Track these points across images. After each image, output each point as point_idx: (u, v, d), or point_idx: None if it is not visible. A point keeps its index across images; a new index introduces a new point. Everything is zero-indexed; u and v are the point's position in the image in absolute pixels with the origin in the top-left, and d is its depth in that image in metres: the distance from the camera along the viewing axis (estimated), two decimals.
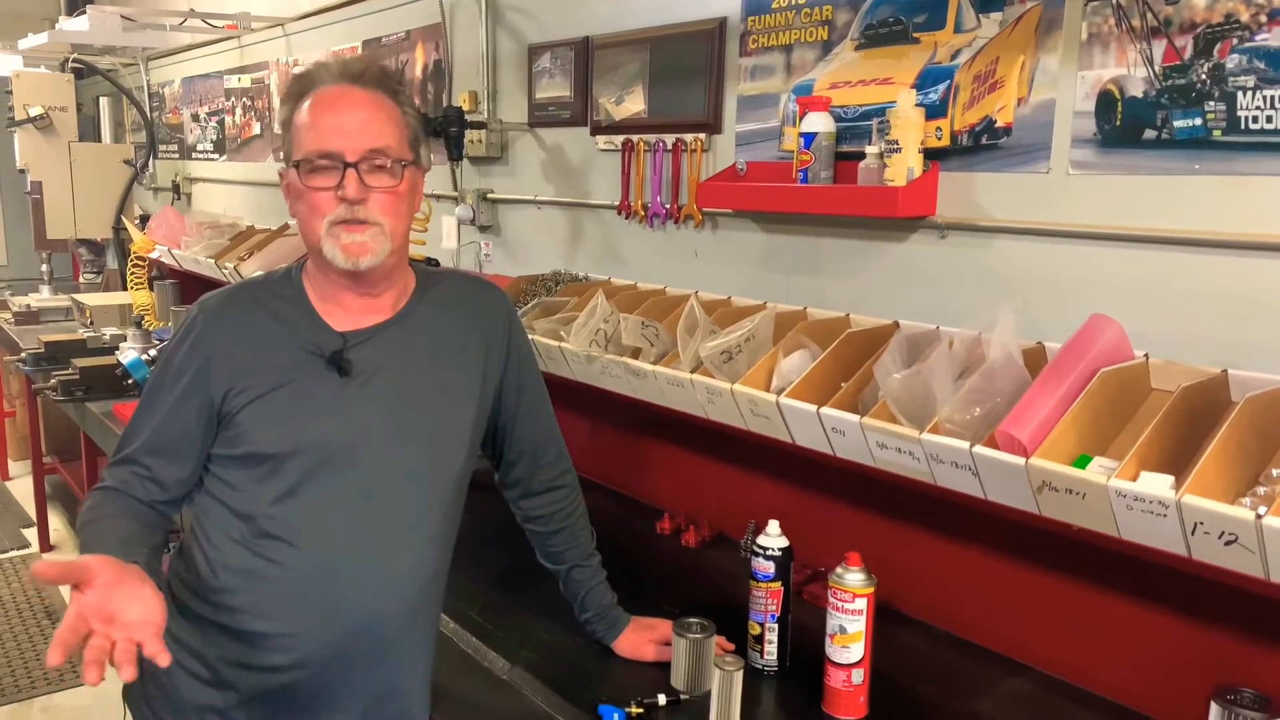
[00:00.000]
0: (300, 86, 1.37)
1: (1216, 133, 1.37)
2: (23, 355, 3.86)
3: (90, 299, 4.59)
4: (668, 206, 2.28)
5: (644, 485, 2.43)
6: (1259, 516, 1.12)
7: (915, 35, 1.74)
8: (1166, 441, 1.29)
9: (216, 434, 1.36)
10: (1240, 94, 1.34)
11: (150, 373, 1.44)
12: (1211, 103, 1.37)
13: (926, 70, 1.72)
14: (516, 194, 2.78)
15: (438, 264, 2.75)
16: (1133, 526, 1.24)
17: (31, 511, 4.62)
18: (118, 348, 3.59)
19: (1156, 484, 1.21)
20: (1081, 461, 1.32)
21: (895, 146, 1.67)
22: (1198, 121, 1.39)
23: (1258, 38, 1.33)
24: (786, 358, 1.72)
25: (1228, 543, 1.15)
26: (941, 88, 1.70)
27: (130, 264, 4.43)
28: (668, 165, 2.27)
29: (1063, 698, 1.56)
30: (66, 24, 4.35)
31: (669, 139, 2.25)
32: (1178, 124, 1.41)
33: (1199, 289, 1.42)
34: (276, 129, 4.00)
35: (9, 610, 3.88)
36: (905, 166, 1.67)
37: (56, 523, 4.67)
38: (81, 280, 5.79)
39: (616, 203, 2.41)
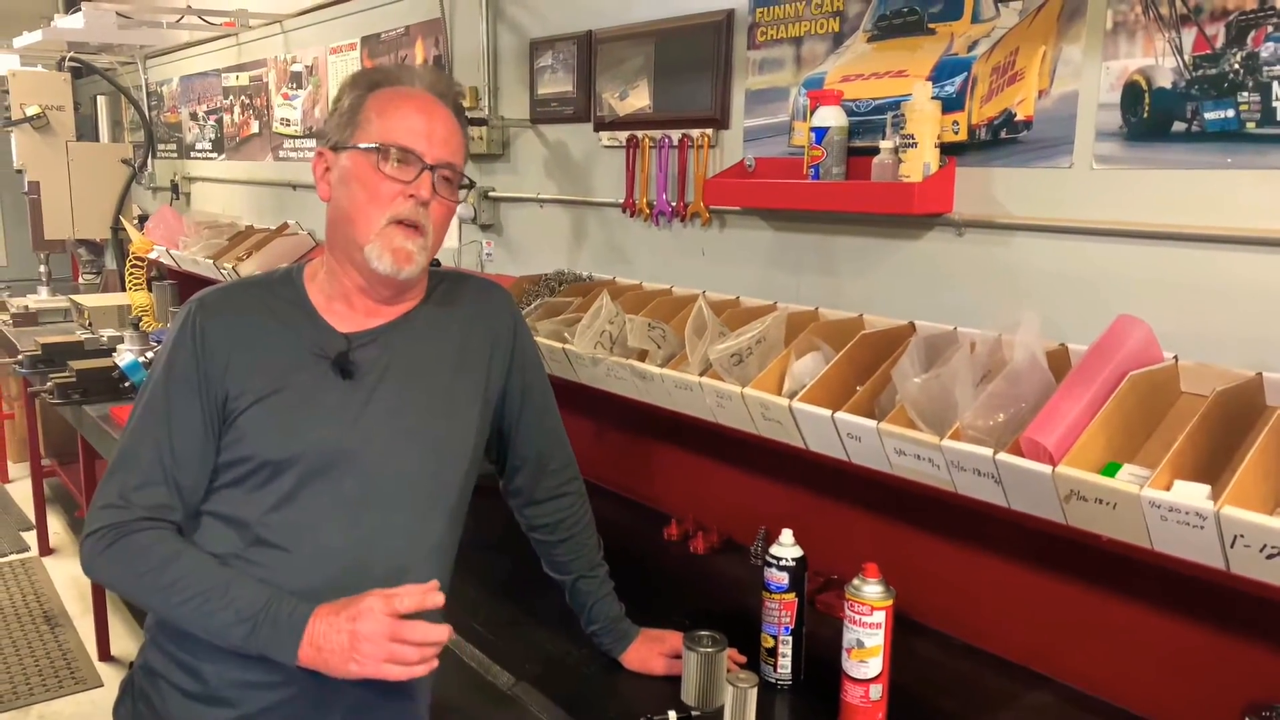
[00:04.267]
0: (379, 77, 1.37)
1: (1250, 124, 1.32)
2: (20, 357, 3.81)
3: (88, 300, 4.54)
4: (674, 204, 2.22)
5: (650, 490, 2.38)
6: None
7: (931, 26, 1.69)
8: (1200, 448, 1.23)
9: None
10: (1276, 84, 1.29)
11: (148, 377, 1.36)
12: (1245, 93, 1.32)
13: (943, 62, 1.67)
14: (518, 192, 2.73)
15: (438, 264, 2.70)
16: (1167, 538, 1.19)
17: (31, 515, 4.57)
18: (115, 349, 3.54)
19: (1193, 494, 1.15)
20: (1110, 469, 1.26)
21: (910, 141, 1.62)
22: (1230, 113, 1.33)
23: None
24: (799, 360, 1.67)
25: (1270, 556, 1.10)
26: (958, 80, 1.64)
27: (129, 265, 4.38)
28: (674, 162, 2.21)
29: (1087, 712, 1.51)
30: (62, 22, 4.30)
31: (675, 135, 2.19)
32: (1209, 116, 1.36)
33: (1231, 288, 1.37)
34: (314, 116, 3.97)
35: (8, 616, 3.83)
36: (921, 162, 1.61)
37: (56, 526, 4.63)
38: (81, 281, 5.75)
39: (621, 201, 2.35)
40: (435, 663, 1.20)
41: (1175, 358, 1.39)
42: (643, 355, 1.92)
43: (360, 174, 1.31)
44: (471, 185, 1.45)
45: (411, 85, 1.35)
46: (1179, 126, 1.39)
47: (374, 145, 1.30)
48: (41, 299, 5.03)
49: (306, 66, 3.85)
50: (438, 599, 1.22)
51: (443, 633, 1.19)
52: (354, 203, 1.32)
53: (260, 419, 1.30)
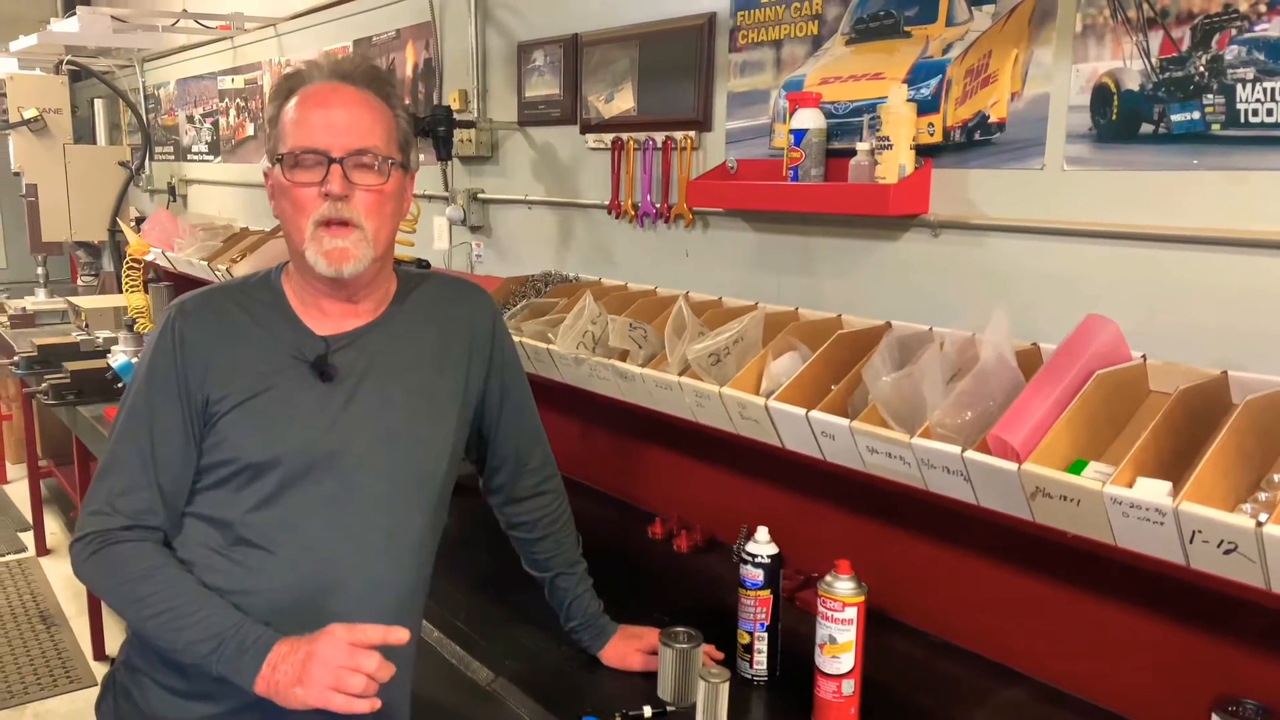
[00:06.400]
0: (289, 84, 1.34)
1: (1215, 126, 1.33)
2: (16, 359, 3.84)
3: (85, 302, 4.56)
4: (658, 206, 2.24)
5: (635, 489, 2.40)
6: (1259, 525, 1.08)
7: (906, 29, 1.70)
8: (1164, 446, 1.25)
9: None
10: (1239, 86, 1.30)
11: (130, 382, 1.38)
12: (1210, 95, 1.33)
13: (918, 65, 1.68)
14: (507, 194, 2.75)
15: (428, 265, 2.72)
16: (1129, 534, 1.20)
17: (29, 515, 4.59)
18: (109, 351, 3.56)
19: (1153, 490, 1.17)
20: (1076, 467, 1.28)
21: (886, 143, 1.64)
22: (1196, 115, 1.35)
23: (1257, 28, 1.28)
24: (776, 360, 1.68)
25: (1227, 551, 1.11)
26: (933, 83, 1.66)
27: (125, 266, 4.40)
28: (658, 164, 2.23)
29: (1060, 707, 1.53)
30: (57, 25, 4.32)
31: (659, 137, 2.21)
32: (1175, 118, 1.37)
33: (1198, 288, 1.38)
34: (265, 128, 3.98)
35: (4, 615, 3.85)
36: (897, 163, 1.63)
37: (53, 526, 4.65)
38: (79, 283, 5.77)
39: (607, 202, 2.37)
40: (377, 702, 1.19)
41: (1144, 356, 1.41)
42: (624, 355, 1.94)
43: (282, 186, 1.31)
44: (401, 163, 1.35)
45: (312, 80, 1.32)
46: (1146, 128, 1.40)
47: (280, 156, 1.30)
48: (39, 301, 5.06)
49: None
50: (401, 636, 1.22)
51: (389, 671, 1.20)
52: (284, 215, 1.33)
53: (241, 422, 1.31)
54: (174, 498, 1.32)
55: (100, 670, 3.44)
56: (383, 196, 1.32)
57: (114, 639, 3.59)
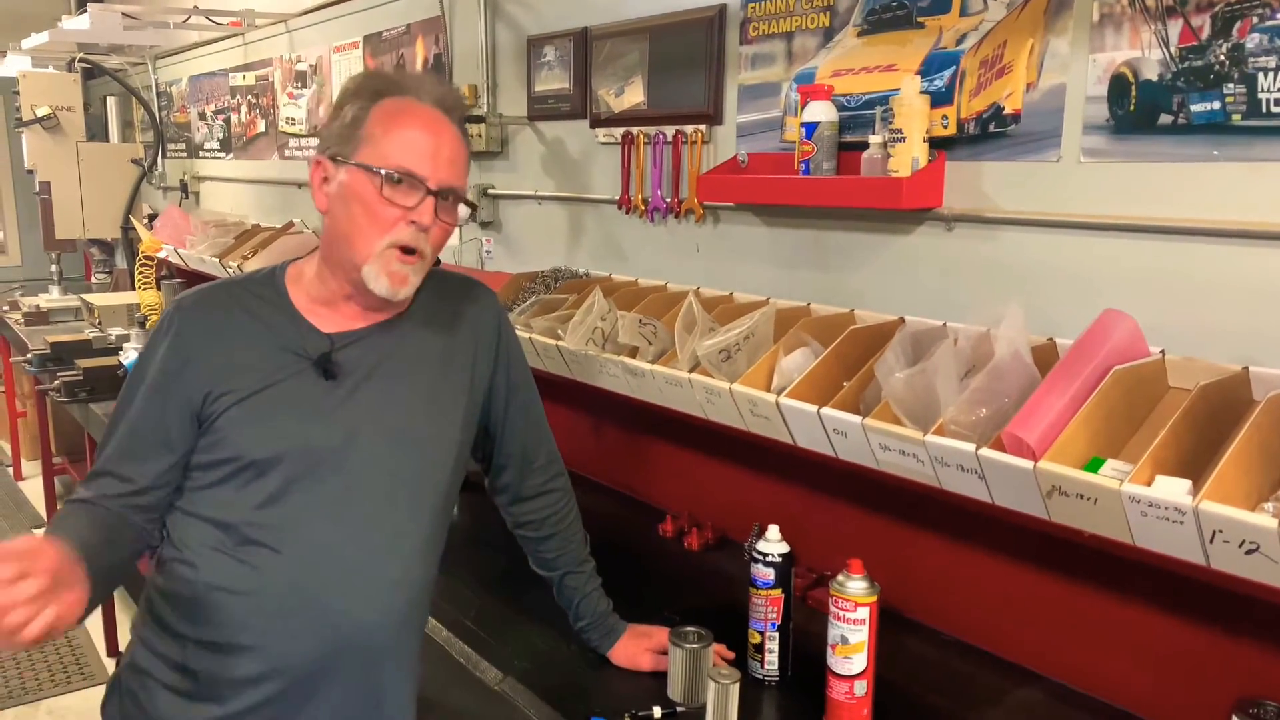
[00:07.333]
0: (383, 85, 1.32)
1: (1236, 117, 1.30)
2: (29, 356, 3.85)
3: (98, 299, 4.58)
4: (668, 200, 2.22)
5: (646, 486, 2.38)
6: None
7: (920, 20, 1.68)
8: (1184, 443, 1.22)
9: (197, 439, 1.32)
10: (1261, 75, 1.27)
11: (128, 377, 1.38)
12: (1231, 85, 1.30)
13: (931, 56, 1.66)
14: (517, 189, 2.73)
15: (438, 262, 2.70)
16: (1147, 533, 1.18)
17: (44, 512, 4.61)
18: (121, 348, 3.57)
19: (1173, 489, 1.14)
20: (1093, 465, 1.26)
21: (899, 136, 1.61)
22: (1216, 105, 1.32)
23: (1279, 16, 1.25)
24: (787, 356, 1.66)
25: (1248, 551, 1.09)
26: (947, 74, 1.63)
27: (138, 264, 4.41)
28: (668, 158, 2.21)
29: (1076, 708, 1.50)
30: (68, 23, 4.33)
31: (669, 131, 2.19)
32: (1195, 108, 1.34)
33: (1218, 282, 1.36)
34: (319, 115, 3.97)
35: None
36: (910, 156, 1.61)
37: None
38: (93, 280, 5.79)
39: (617, 197, 2.35)
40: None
41: (1162, 352, 1.38)
42: (634, 352, 1.92)
43: (361, 194, 1.28)
44: (473, 209, 1.41)
45: (419, 99, 1.31)
46: (1165, 119, 1.38)
47: (377, 169, 1.27)
48: (52, 298, 5.07)
49: (311, 65, 3.87)
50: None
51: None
52: (354, 223, 1.29)
53: (241, 419, 1.30)
54: (146, 493, 1.31)
55: (113, 667, 3.45)
56: (448, 233, 1.36)
57: (126, 636, 3.59)
